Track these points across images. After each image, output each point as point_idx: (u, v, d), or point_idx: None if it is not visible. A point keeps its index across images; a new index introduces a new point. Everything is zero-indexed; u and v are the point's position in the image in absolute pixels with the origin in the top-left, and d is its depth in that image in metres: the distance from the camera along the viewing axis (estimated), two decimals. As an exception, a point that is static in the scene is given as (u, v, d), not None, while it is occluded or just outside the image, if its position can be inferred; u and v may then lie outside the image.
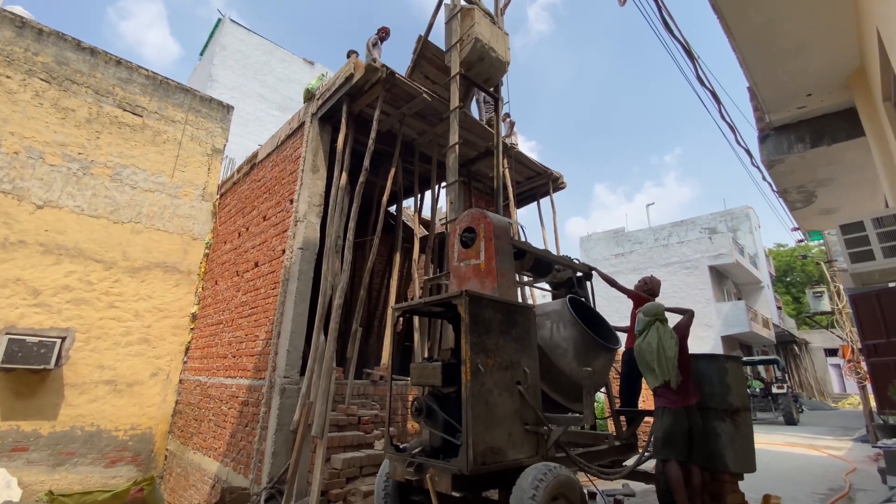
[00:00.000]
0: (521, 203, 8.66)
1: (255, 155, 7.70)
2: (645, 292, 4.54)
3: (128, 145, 7.77)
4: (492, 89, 5.77)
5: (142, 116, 8.02)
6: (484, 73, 5.36)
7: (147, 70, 8.26)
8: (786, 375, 16.96)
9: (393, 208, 8.46)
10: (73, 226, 7.03)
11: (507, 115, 8.22)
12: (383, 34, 6.54)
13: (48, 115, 7.08)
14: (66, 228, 6.96)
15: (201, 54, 19.40)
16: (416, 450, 2.81)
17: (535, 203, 8.62)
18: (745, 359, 13.11)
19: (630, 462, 3.66)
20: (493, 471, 2.54)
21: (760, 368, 20.07)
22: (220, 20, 17.65)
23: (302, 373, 5.02)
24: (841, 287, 15.91)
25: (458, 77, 4.97)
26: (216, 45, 16.95)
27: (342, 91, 5.55)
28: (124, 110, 7.84)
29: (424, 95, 5.68)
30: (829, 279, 16.77)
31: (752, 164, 6.11)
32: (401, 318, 3.25)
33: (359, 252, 7.70)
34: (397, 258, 6.98)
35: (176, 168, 8.22)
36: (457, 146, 4.92)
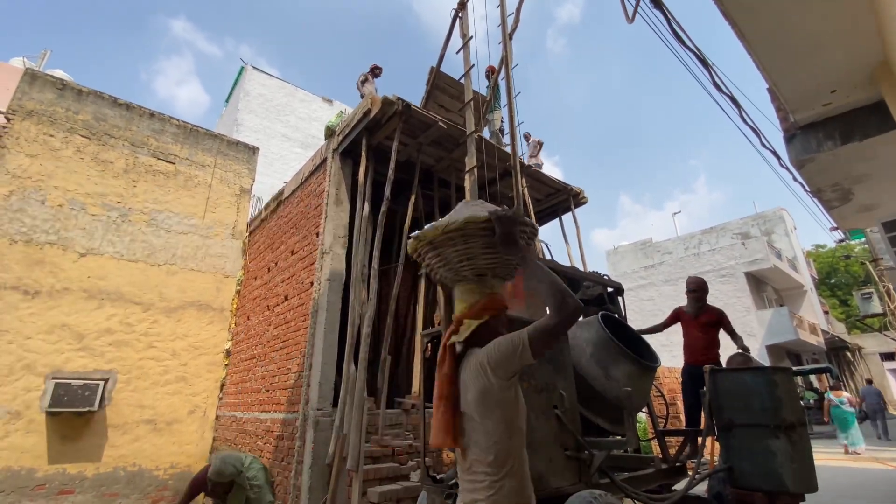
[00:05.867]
0: (542, 220, 8.61)
1: (280, 192, 7.96)
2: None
3: (162, 191, 8.17)
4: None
5: (174, 163, 8.45)
6: None
7: (178, 120, 8.75)
8: (840, 384, 15.94)
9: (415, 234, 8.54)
10: (114, 271, 7.36)
11: (533, 137, 8.30)
12: (377, 71, 6.90)
13: (89, 169, 7.54)
14: (107, 274, 7.29)
15: (227, 101, 20.45)
16: (454, 480, 2.74)
17: (557, 219, 8.55)
18: (794, 369, 12.35)
19: (680, 486, 3.46)
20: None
21: (812, 378, 18.94)
22: (242, 68, 18.64)
23: (334, 404, 5.02)
24: (891, 286, 15.02)
25: (472, 102, 5.06)
26: (240, 91, 17.85)
27: (361, 126, 5.72)
28: (158, 159, 8.28)
29: (440, 124, 5.80)
30: (877, 279, 15.87)
31: (781, 164, 5.93)
32: (429, 344, 3.24)
33: (384, 280, 7.76)
34: (422, 283, 7.00)
35: (207, 210, 8.57)
36: (475, 169, 4.97)
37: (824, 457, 8.73)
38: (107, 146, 7.81)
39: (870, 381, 14.47)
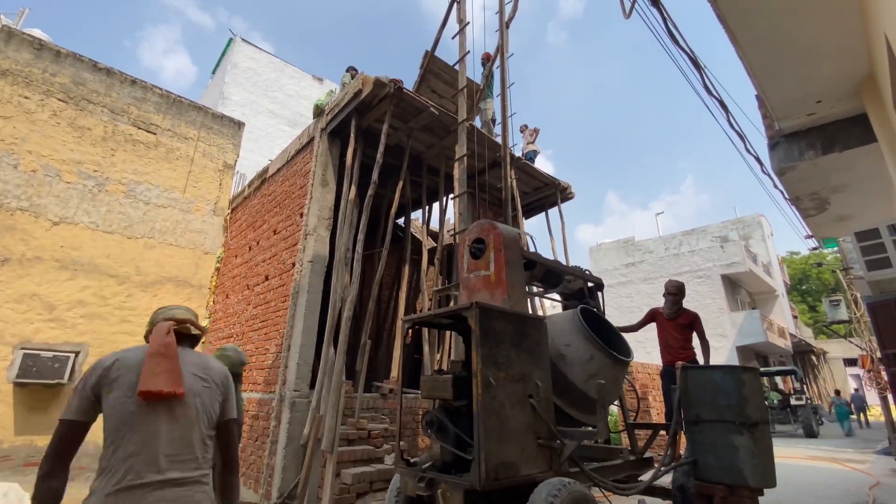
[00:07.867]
0: (529, 213, 8.66)
1: (265, 170, 7.81)
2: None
3: (142, 162, 7.92)
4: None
5: (155, 134, 8.19)
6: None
7: (161, 89, 8.46)
8: (804, 387, 16.60)
9: (401, 220, 8.50)
10: (89, 242, 7.15)
11: (528, 126, 8.28)
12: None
13: (65, 134, 7.26)
14: (82, 244, 7.08)
15: (213, 73, 19.84)
16: (427, 464, 2.78)
17: (544, 213, 8.61)
18: (762, 370, 12.88)
19: (646, 477, 3.58)
20: (505, 486, 2.50)
21: (778, 380, 19.66)
22: (231, 39, 18.08)
23: (311, 386, 5.01)
24: (858, 295, 15.59)
25: (465, 90, 5.02)
26: (228, 63, 17.33)
27: (351, 106, 5.63)
28: (139, 128, 8.01)
29: (432, 109, 5.74)
30: (846, 287, 16.48)
31: (763, 171, 6.06)
32: (410, 330, 3.24)
33: (368, 264, 7.73)
34: (406, 270, 6.99)
35: (188, 184, 8.36)
36: (465, 157, 4.95)
37: (785, 455, 9.10)
38: (85, 112, 7.52)
39: (857, 390, 19.99)
